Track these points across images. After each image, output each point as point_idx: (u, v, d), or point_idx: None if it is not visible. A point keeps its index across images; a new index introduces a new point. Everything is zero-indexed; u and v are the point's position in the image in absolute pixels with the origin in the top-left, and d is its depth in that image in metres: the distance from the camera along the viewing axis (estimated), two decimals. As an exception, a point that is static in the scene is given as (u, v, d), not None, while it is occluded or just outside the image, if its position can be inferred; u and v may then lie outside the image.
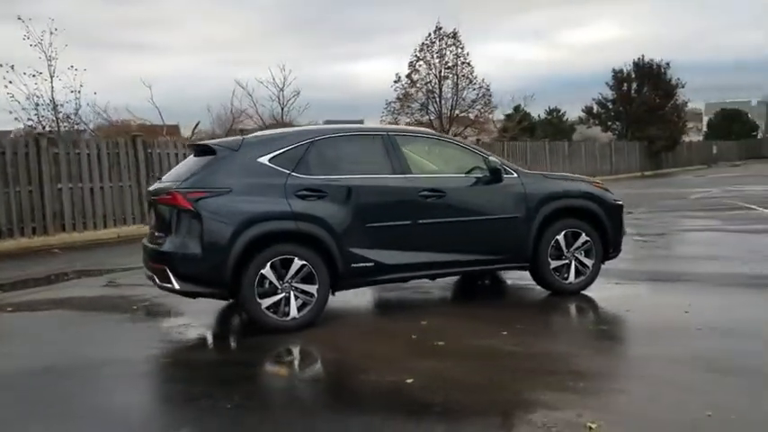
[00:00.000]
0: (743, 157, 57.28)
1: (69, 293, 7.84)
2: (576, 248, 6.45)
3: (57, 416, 3.88)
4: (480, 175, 6.23)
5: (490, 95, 28.25)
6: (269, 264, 5.44)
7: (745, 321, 5.20)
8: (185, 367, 4.79)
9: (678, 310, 5.60)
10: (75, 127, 20.57)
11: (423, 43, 27.89)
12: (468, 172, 6.27)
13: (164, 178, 6.09)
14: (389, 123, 26.44)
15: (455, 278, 7.19)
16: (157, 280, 5.58)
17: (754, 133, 68.03)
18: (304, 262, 5.52)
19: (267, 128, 26.04)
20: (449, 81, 28.06)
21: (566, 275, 6.44)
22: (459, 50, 27.80)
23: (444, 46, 27.84)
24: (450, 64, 27.79)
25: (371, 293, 6.86)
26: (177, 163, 16.16)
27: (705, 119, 78.42)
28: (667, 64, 41.10)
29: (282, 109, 26.75)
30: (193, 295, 5.65)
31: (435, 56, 27.93)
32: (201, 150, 5.94)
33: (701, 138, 62.94)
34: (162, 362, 4.93)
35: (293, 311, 5.52)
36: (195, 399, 4.04)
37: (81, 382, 4.47)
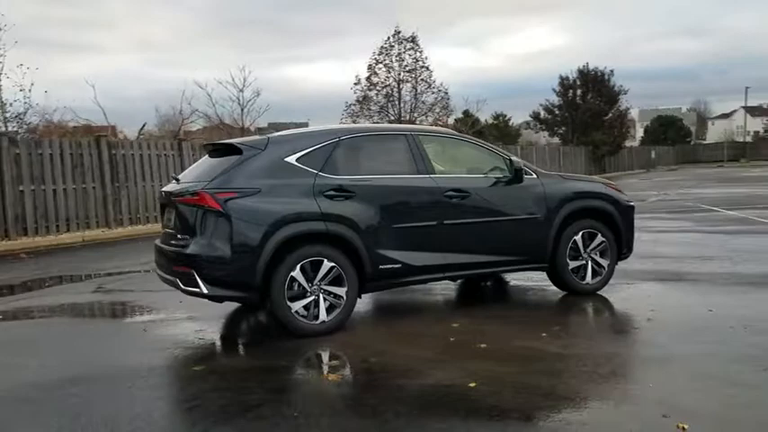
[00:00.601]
0: (678, 162, 59.62)
1: (61, 300, 7.42)
2: (593, 249, 6.50)
3: None
4: (502, 176, 6.21)
5: (448, 99, 28.54)
6: (299, 266, 5.28)
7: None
8: (225, 374, 4.55)
9: (701, 308, 5.71)
10: (25, 127, 19.70)
11: (382, 47, 27.98)
12: (488, 172, 6.24)
13: (182, 178, 5.82)
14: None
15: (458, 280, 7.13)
16: (181, 284, 5.32)
17: (688, 139, 70.91)
18: (333, 264, 5.38)
19: (222, 129, 25.67)
20: (408, 85, 28.21)
21: (583, 276, 6.48)
22: (418, 54, 28.00)
23: (403, 50, 27.98)
24: (409, 68, 27.92)
25: (381, 296, 6.74)
26: (142, 164, 16.06)
27: (638, 125, 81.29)
28: (611, 71, 42.36)
29: (242, 110, 26.25)
30: (220, 299, 5.44)
31: (395, 59, 28.03)
32: (224, 150, 5.73)
33: (635, 143, 65.11)
34: (198, 370, 4.67)
35: (322, 314, 5.37)
36: (255, 407, 3.85)
37: (119, 395, 4.20)
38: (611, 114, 42.44)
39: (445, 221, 5.85)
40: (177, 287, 5.47)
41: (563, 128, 42.76)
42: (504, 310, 6.24)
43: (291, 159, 5.51)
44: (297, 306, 5.29)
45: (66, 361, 5.00)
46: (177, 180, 5.93)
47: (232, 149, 5.61)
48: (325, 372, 4.59)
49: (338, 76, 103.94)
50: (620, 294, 6.48)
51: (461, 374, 4.23)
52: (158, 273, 5.95)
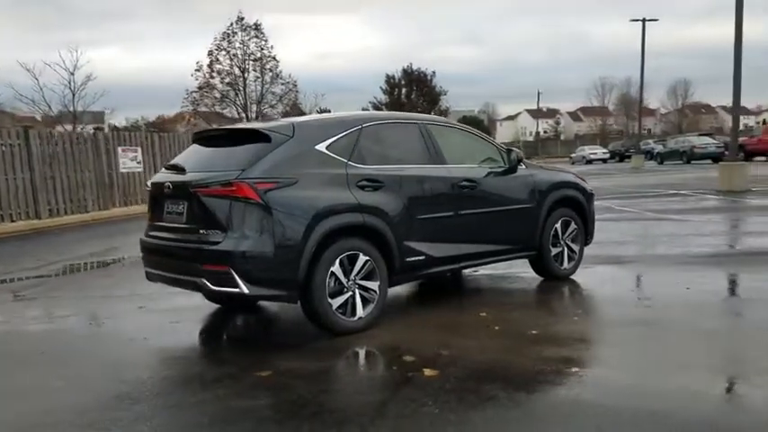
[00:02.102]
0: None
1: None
2: (567, 236, 6.90)
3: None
4: (498, 166, 6.37)
5: (297, 91, 28.24)
6: (338, 261, 5.04)
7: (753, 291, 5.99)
8: (299, 378, 4.22)
9: (680, 287, 6.30)
10: None
11: (224, 32, 26.94)
12: (484, 162, 6.36)
13: (187, 167, 5.25)
14: (191, 113, 25.04)
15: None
16: (210, 284, 4.81)
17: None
18: (367, 257, 5.20)
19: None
20: (254, 74, 27.49)
21: (561, 262, 6.86)
22: (264, 43, 27.37)
23: (247, 38, 27.20)
24: (256, 56, 27.21)
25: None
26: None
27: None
28: (433, 72, 44.66)
29: (74, 95, 23.85)
30: (255, 299, 5.02)
31: (238, 47, 27.17)
32: (243, 136, 5.27)
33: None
34: (265, 375, 4.29)
35: (359, 310, 5.17)
36: (381, 405, 3.65)
37: (203, 406, 3.76)
38: (433, 114, 44.69)
39: (460, 212, 5.89)
40: (199, 289, 4.96)
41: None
42: (517, 296, 6.43)
43: (322, 147, 5.23)
44: (336, 303, 5.04)
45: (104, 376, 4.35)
46: (177, 169, 5.35)
47: (256, 136, 5.18)
48: (420, 368, 4.37)
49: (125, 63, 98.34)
50: (595, 278, 6.93)
51: (544, 361, 4.31)
52: (159, 274, 5.35)
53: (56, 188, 15.44)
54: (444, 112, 45.38)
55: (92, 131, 18.10)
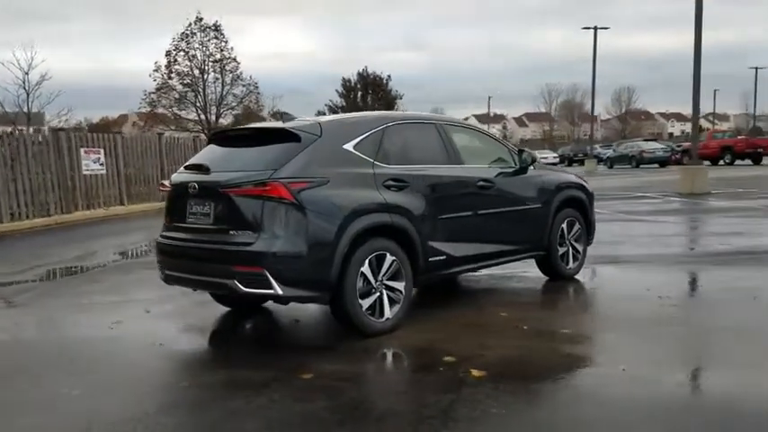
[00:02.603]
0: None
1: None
2: (572, 236, 7.00)
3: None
4: (510, 166, 6.42)
5: (258, 93, 27.89)
6: (367, 261, 4.99)
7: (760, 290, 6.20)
8: (345, 381, 4.15)
9: (693, 285, 6.47)
10: None
11: (183, 33, 26.42)
12: (495, 162, 6.40)
13: (212, 167, 5.12)
14: (146, 114, 24.43)
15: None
16: (241, 285, 4.70)
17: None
18: (394, 258, 5.16)
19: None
20: (215, 74, 27.04)
21: (567, 262, 6.96)
22: (224, 44, 26.96)
23: (207, 38, 26.75)
24: (216, 57, 26.78)
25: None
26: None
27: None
28: (388, 76, 44.77)
29: (28, 95, 22.98)
30: (288, 301, 4.91)
31: (197, 47, 26.68)
32: (272, 135, 5.18)
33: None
34: (308, 378, 4.21)
35: (387, 311, 5.13)
36: (444, 411, 3.62)
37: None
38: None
39: (479, 212, 5.91)
40: (229, 291, 4.85)
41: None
42: (520, 297, 6.49)
43: (350, 147, 5.18)
44: (366, 304, 5.00)
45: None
46: (201, 168, 5.20)
47: (284, 135, 5.10)
48: (467, 369, 4.33)
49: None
50: (594, 277, 7.08)
51: (602, 359, 4.37)
52: (181, 276, 5.20)
53: (17, 191, 14.84)
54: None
55: (47, 131, 17.47)
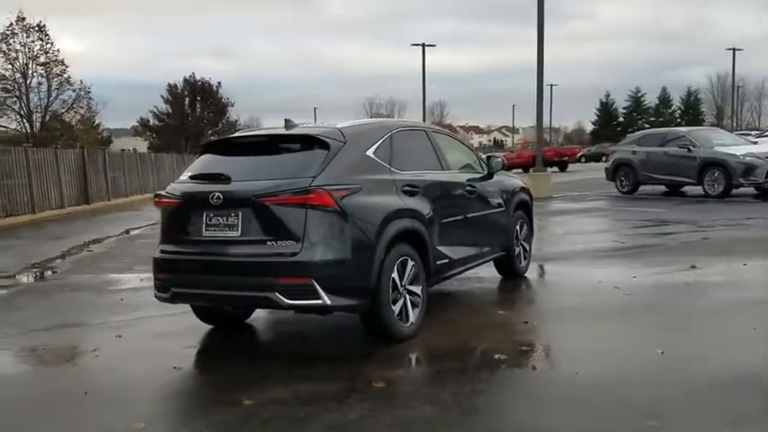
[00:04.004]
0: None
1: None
2: (522, 236, 7.49)
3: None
4: (478, 172, 6.73)
5: (90, 98, 25.78)
6: (395, 266, 5.05)
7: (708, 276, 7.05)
8: (422, 385, 4.23)
9: (634, 276, 7.19)
10: None
11: (2, 33, 23.77)
12: (465, 168, 6.68)
13: (232, 175, 4.84)
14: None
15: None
16: (284, 298, 4.54)
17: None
18: (413, 262, 5.26)
19: None
20: (39, 78, 24.60)
21: (520, 260, 7.43)
22: (49, 46, 24.63)
23: (30, 40, 24.29)
24: (42, 60, 24.37)
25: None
26: None
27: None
28: (219, 83, 43.59)
29: None
30: (334, 311, 4.78)
31: (19, 49, 24.13)
32: (294, 142, 5.05)
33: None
34: (379, 387, 4.19)
35: (411, 316, 5.22)
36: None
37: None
38: (221, 125, 43.65)
39: (468, 215, 6.17)
40: (267, 304, 4.68)
41: (179, 136, 42.33)
42: (499, 296, 6.83)
43: (371, 153, 5.20)
44: (396, 310, 5.04)
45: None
46: (216, 178, 4.90)
47: (309, 141, 4.99)
48: (529, 364, 4.53)
49: None
50: (537, 273, 7.63)
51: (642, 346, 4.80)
52: (197, 293, 4.91)
53: None
54: (234, 124, 44.56)
55: None
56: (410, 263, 5.19)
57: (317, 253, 4.55)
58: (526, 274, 7.48)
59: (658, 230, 11.08)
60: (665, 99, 79.33)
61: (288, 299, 4.55)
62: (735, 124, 64.05)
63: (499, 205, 6.86)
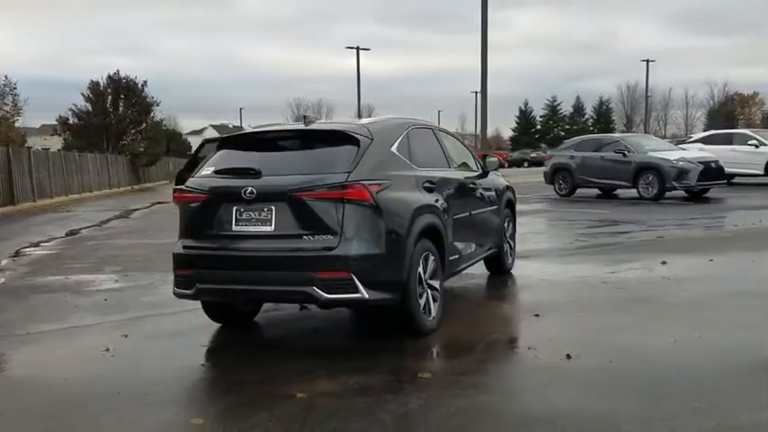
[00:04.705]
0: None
1: None
2: (509, 233, 7.71)
3: None
4: (473, 170, 6.88)
5: (17, 94, 24.40)
6: (421, 261, 5.13)
7: (682, 272, 7.41)
8: (465, 375, 4.30)
9: (624, 270, 7.54)
10: None
11: None
12: (463, 166, 6.83)
13: (262, 170, 4.79)
14: None
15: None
16: (323, 292, 4.54)
17: (189, 153, 74.83)
18: (434, 257, 5.37)
19: None
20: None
21: (507, 257, 7.65)
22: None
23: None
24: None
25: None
26: None
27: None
28: (144, 82, 42.21)
29: None
30: (371, 304, 4.78)
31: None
32: (323, 138, 5.04)
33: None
34: (427, 378, 4.25)
35: (433, 310, 5.30)
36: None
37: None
38: (146, 124, 42.30)
39: (472, 212, 6.32)
40: (303, 298, 4.68)
41: (100, 136, 40.64)
42: (498, 291, 6.99)
43: (395, 149, 5.26)
44: (421, 304, 5.13)
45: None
46: (244, 173, 4.84)
47: (339, 137, 4.99)
48: (560, 352, 4.59)
49: None
50: (523, 270, 7.88)
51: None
52: (228, 288, 4.84)
53: None
54: (159, 123, 43.27)
55: None
56: (431, 258, 5.28)
57: (354, 247, 4.58)
58: (512, 271, 7.71)
59: (612, 230, 11.64)
60: (578, 108, 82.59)
61: (326, 293, 4.55)
62: (645, 132, 67.47)
63: (493, 203, 7.04)
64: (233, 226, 4.81)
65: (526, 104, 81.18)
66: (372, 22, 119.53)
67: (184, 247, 5.00)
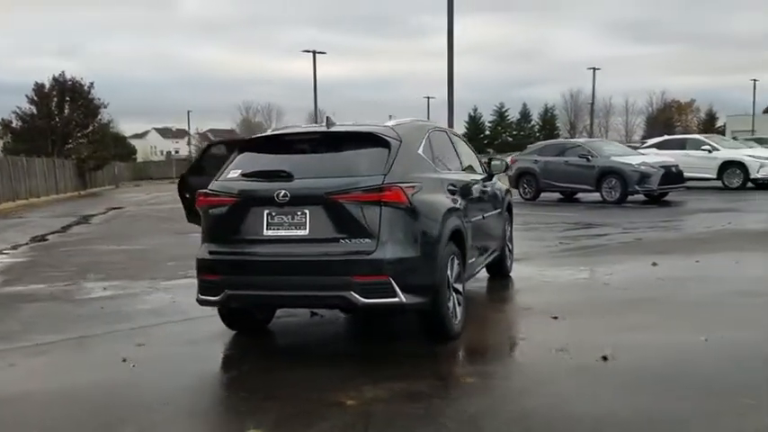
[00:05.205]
0: (135, 178, 61.19)
1: None
2: (508, 237, 7.77)
3: None
4: (479, 174, 6.91)
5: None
6: (448, 264, 5.12)
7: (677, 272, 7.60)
8: (508, 379, 4.33)
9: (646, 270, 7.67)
10: None
11: None
12: (469, 169, 6.83)
13: (294, 173, 4.68)
14: None
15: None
16: (360, 297, 4.47)
17: (134, 156, 73.36)
18: (458, 261, 5.36)
19: None
20: None
21: (508, 260, 7.69)
22: None
23: None
24: None
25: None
26: None
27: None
28: (91, 84, 41.02)
29: None
30: (407, 309, 4.72)
31: None
32: (353, 140, 4.98)
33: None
34: (471, 381, 4.24)
35: (458, 313, 5.29)
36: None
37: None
38: (92, 127, 41.11)
39: (484, 215, 6.33)
40: (339, 303, 4.60)
41: (45, 139, 39.23)
42: (507, 294, 7.03)
43: (420, 152, 5.24)
44: (450, 307, 5.12)
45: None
46: (274, 175, 4.74)
47: (370, 139, 4.93)
48: (593, 354, 4.63)
49: None
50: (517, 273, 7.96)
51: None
52: (260, 294, 4.72)
53: None
54: (107, 126, 42.08)
55: None
56: (456, 261, 5.27)
57: (392, 250, 4.53)
58: (510, 274, 7.76)
59: (590, 232, 11.88)
60: (525, 114, 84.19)
61: (364, 298, 4.48)
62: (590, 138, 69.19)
63: (498, 206, 7.08)
64: (264, 230, 4.69)
65: (475, 110, 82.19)
66: (314, 26, 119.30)
67: (210, 253, 4.85)
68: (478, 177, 6.59)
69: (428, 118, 70.63)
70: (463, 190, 5.74)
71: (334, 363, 4.81)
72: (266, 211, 4.68)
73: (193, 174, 6.44)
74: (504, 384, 4.20)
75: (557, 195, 19.39)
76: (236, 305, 4.95)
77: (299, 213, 4.63)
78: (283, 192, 4.60)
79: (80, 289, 7.79)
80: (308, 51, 40.64)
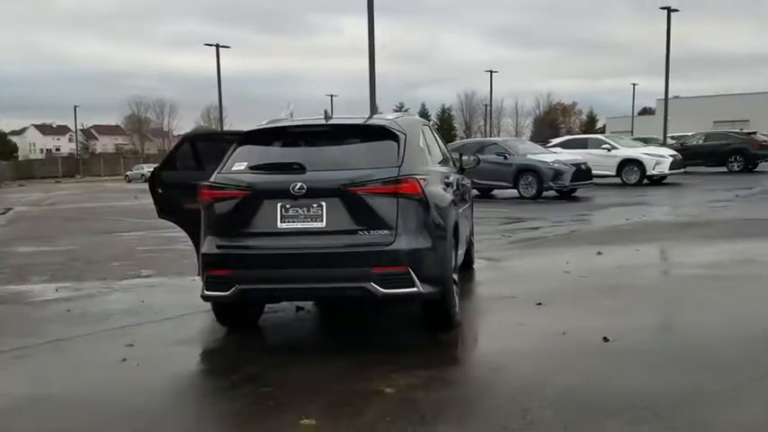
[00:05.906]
0: (17, 178, 57.48)
1: None
2: (472, 230, 7.97)
3: None
4: (456, 167, 7.05)
5: None
6: (453, 254, 5.23)
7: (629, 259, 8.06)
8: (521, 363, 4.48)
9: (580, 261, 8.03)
10: None
11: None
12: (447, 163, 6.93)
13: (307, 165, 4.63)
14: None
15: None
16: (379, 287, 4.49)
17: (16, 154, 68.88)
18: (455, 251, 5.47)
19: None
20: None
21: (473, 251, 7.91)
22: None
23: None
24: None
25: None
26: None
27: None
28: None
29: None
30: (423, 298, 4.76)
31: None
32: (362, 132, 4.99)
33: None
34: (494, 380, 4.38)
35: (456, 303, 5.40)
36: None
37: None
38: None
39: (464, 208, 6.47)
40: (358, 294, 4.59)
41: None
42: (483, 284, 7.19)
43: (422, 144, 5.32)
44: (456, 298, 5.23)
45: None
46: (287, 168, 4.67)
47: (378, 132, 4.96)
48: (594, 336, 4.80)
49: None
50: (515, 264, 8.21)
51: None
52: (274, 288, 4.65)
53: None
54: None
55: None
56: (455, 252, 5.39)
57: (410, 241, 4.58)
58: (473, 265, 7.97)
59: (524, 226, 12.33)
60: (424, 114, 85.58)
61: (383, 288, 4.51)
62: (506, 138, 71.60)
63: (468, 199, 7.27)
64: (278, 223, 4.61)
65: (376, 110, 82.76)
66: (195, 20, 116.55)
67: (219, 247, 4.70)
68: (456, 171, 6.75)
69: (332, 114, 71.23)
70: (452, 183, 5.87)
71: (350, 354, 4.76)
72: (280, 204, 4.61)
73: (165, 168, 6.23)
74: (532, 364, 4.32)
75: (473, 192, 19.92)
76: (248, 299, 4.83)
77: (314, 206, 4.59)
78: (299, 184, 4.55)
79: (28, 291, 7.31)
80: (211, 45, 39.52)
